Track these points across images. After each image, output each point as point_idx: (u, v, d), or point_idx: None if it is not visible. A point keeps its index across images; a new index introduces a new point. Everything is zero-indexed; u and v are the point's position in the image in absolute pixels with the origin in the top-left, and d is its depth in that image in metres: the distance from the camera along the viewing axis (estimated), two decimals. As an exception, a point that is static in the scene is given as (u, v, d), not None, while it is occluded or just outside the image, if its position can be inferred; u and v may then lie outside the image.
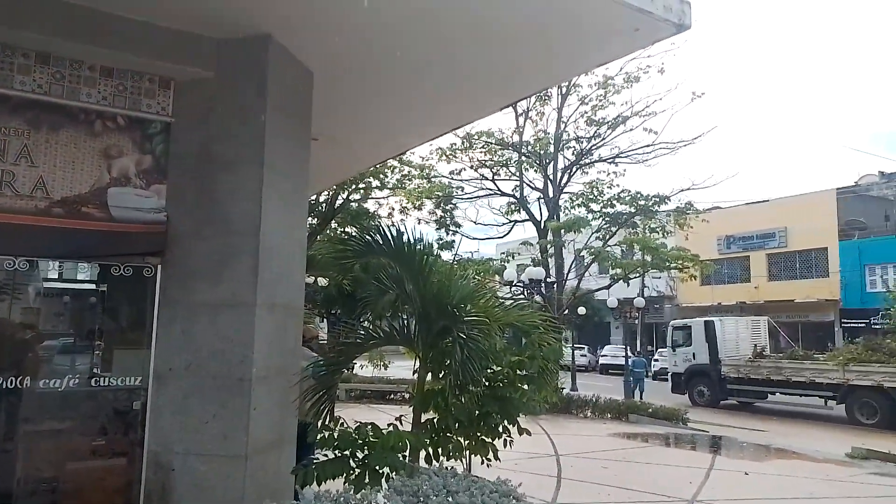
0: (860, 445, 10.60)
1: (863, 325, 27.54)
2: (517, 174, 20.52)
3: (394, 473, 4.14)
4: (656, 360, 31.29)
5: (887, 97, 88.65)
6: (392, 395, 16.66)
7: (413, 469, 3.87)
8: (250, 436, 4.19)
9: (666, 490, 7.38)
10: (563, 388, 16.96)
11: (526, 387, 5.68)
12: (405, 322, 5.72)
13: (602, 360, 35.70)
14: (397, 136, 7.47)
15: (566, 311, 21.41)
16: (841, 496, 7.68)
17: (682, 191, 19.32)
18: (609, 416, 14.41)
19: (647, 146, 19.44)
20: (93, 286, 4.36)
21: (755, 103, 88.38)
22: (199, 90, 4.51)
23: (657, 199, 19.05)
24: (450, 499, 3.41)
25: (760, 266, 34.56)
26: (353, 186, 20.69)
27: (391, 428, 4.79)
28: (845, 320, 30.08)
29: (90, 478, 4.15)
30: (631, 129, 19.50)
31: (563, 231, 19.05)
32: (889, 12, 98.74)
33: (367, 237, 5.57)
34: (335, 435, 4.47)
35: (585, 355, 37.42)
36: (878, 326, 24.57)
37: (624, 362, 21.34)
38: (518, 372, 5.67)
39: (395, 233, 5.64)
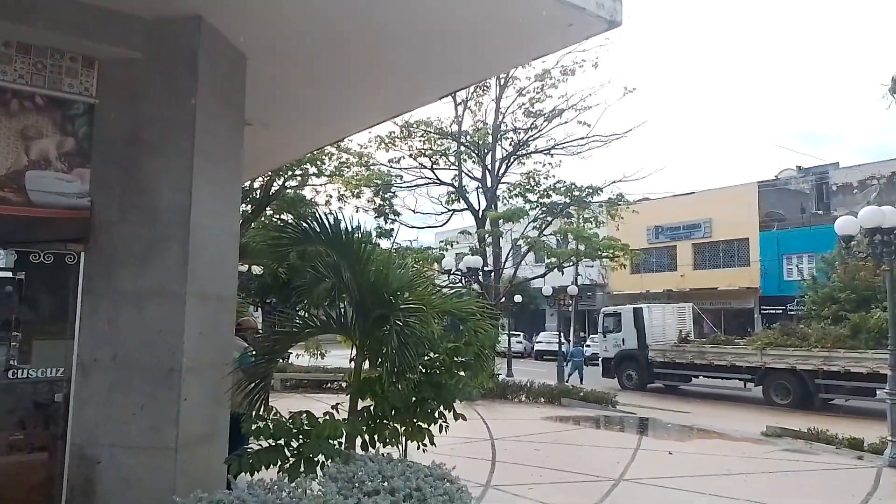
0: (774, 424, 11.27)
1: (780, 311, 29.20)
2: (456, 164, 20.63)
3: (329, 461, 4.16)
4: (588, 346, 32.23)
5: (808, 96, 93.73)
6: (329, 384, 16.55)
7: (348, 456, 3.89)
8: (181, 427, 4.10)
9: (595, 470, 7.67)
10: (499, 374, 17.25)
11: (462, 373, 5.80)
12: (342, 311, 5.71)
13: (537, 347, 36.50)
14: (334, 122, 7.40)
15: (503, 299, 21.75)
16: (755, 471, 8.18)
17: (614, 182, 19.93)
18: (543, 400, 14.79)
19: (582, 139, 19.94)
20: (9, 274, 4.15)
21: (684, 99, 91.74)
22: (126, 71, 4.33)
23: (591, 191, 19.58)
24: (385, 483, 3.46)
25: (686, 255, 36.10)
26: (290, 173, 20.31)
27: (327, 416, 4.80)
28: (764, 307, 31.82)
29: (7, 474, 3.97)
30: (566, 122, 19.92)
31: (500, 220, 19.32)
32: (813, 16, 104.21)
33: (304, 225, 5.51)
34: (270, 425, 4.44)
35: (521, 342, 38.15)
36: (793, 313, 26.12)
37: (557, 348, 21.87)
38: (454, 358, 5.78)
39: (332, 221, 5.61)
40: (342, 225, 5.51)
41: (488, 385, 14.20)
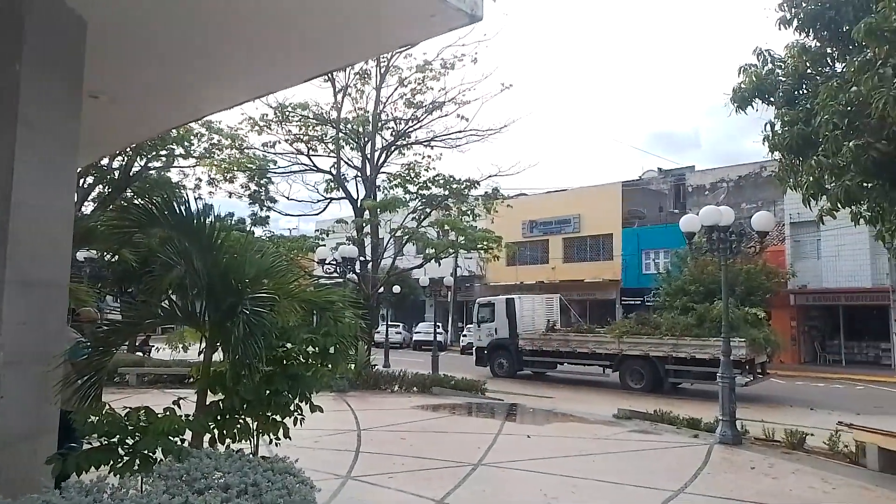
0: (626, 407, 12.11)
1: (639, 302, 31.46)
2: (335, 151, 20.25)
3: (168, 458, 3.94)
4: (464, 336, 33.03)
5: (670, 102, 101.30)
6: (191, 379, 15.69)
7: (183, 452, 3.69)
8: (-3, 425, 3.72)
9: (456, 456, 7.86)
10: (374, 365, 17.24)
11: (320, 364, 5.70)
12: (192, 300, 5.42)
13: (416, 337, 36.86)
14: (191, 99, 6.96)
15: (381, 290, 21.70)
16: (604, 451, 8.76)
17: (491, 177, 20.44)
18: (415, 389, 14.94)
19: (460, 132, 20.27)
20: None
21: (558, 99, 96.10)
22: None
23: (468, 184, 19.97)
24: (221, 480, 3.32)
25: (557, 249, 37.97)
26: (154, 153, 19.04)
27: (167, 412, 4.53)
28: (625, 298, 34.15)
29: None
30: (446, 115, 20.15)
31: (379, 210, 19.22)
32: (673, 24, 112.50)
33: (151, 207, 5.16)
34: (103, 421, 4.13)
35: (400, 332, 38.35)
36: (650, 304, 28.20)
37: (433, 338, 22.20)
38: (312, 349, 5.67)
39: (181, 203, 5.29)
40: (192, 208, 5.22)
41: (351, 375, 14.15)
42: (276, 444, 5.35)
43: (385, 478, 6.79)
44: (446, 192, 19.70)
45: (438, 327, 27.45)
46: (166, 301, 5.29)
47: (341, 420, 10.45)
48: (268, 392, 5.21)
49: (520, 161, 64.92)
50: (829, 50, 9.21)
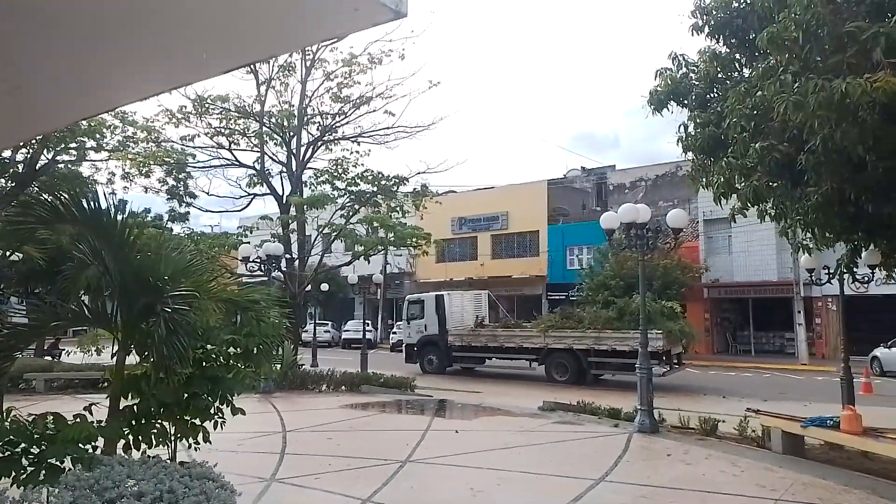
0: (551, 399, 12.41)
1: (563, 297, 32.27)
2: (258, 145, 19.69)
3: (78, 467, 3.74)
4: (394, 333, 32.93)
5: (592, 103, 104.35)
6: (106, 383, 14.92)
7: (94, 460, 3.51)
8: None
9: (384, 454, 7.83)
10: (302, 365, 16.93)
11: (241, 365, 5.54)
12: (103, 300, 5.16)
13: (345, 336, 36.47)
14: (104, 89, 6.60)
15: (308, 288, 21.31)
16: (529, 443, 8.95)
17: (420, 174, 20.40)
18: (344, 388, 14.77)
19: (388, 128, 20.12)
20: None
21: (485, 97, 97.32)
22: None
23: (397, 181, 19.87)
24: (135, 488, 3.18)
25: (486, 245, 38.47)
26: (62, 146, 17.94)
27: (77, 419, 4.31)
28: (550, 293, 35.00)
29: None
30: (374, 111, 19.95)
31: (305, 207, 18.84)
32: (595, 26, 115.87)
33: (58, 202, 4.88)
34: (6, 429, 3.89)
35: (329, 331, 37.84)
36: (574, 298, 29.00)
37: (362, 336, 22.03)
38: (234, 350, 5.50)
39: (91, 198, 5.03)
40: (103, 204, 4.97)
41: (275, 376, 13.86)
42: (196, 449, 5.17)
43: (311, 479, 6.69)
44: (375, 189, 19.52)
45: (368, 325, 27.25)
46: (75, 302, 5.01)
47: (266, 422, 10.21)
48: (186, 395, 5.03)
49: (448, 158, 65.37)
50: (737, 56, 9.72)
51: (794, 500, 6.19)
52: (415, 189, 20.61)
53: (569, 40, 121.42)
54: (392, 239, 19.67)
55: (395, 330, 33.56)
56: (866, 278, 11.21)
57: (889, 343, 21.71)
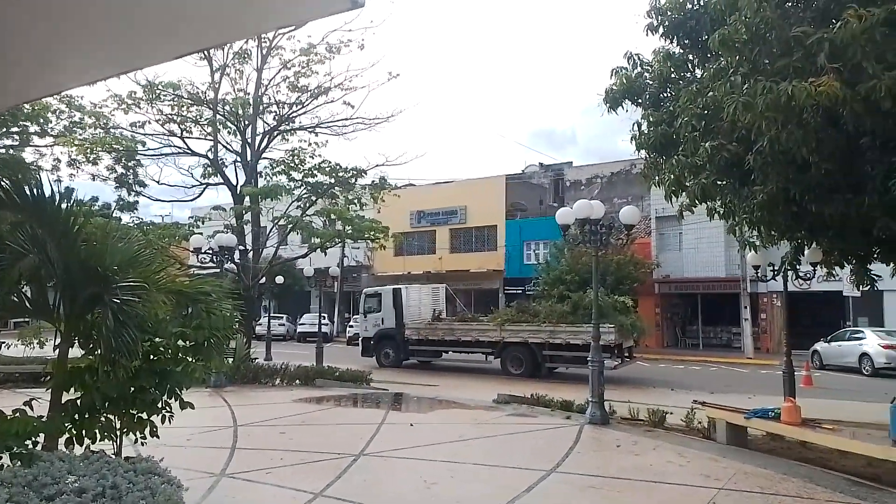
0: (506, 392, 12.52)
1: (520, 291, 32.62)
2: (212, 134, 19.21)
3: (17, 463, 3.60)
4: (351, 326, 32.71)
5: (551, 99, 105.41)
6: (48, 377, 14.39)
7: (32, 456, 3.39)
8: None
9: (338, 448, 7.78)
10: (255, 359, 16.67)
11: (193, 359, 5.42)
12: (45, 291, 4.98)
13: (301, 329, 36.08)
14: (49, 71, 6.34)
15: (263, 280, 20.97)
16: (483, 436, 9.03)
17: (378, 166, 20.25)
18: (298, 382, 14.60)
19: (346, 119, 19.92)
20: None
21: (445, 91, 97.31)
22: None
23: (355, 173, 19.68)
24: (76, 484, 3.08)
25: (444, 239, 38.56)
26: (3, 130, 17.19)
27: (17, 413, 4.16)
28: (508, 287, 35.31)
29: None
30: (332, 101, 19.72)
31: (260, 198, 18.50)
32: (556, 24, 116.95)
33: (-5, 189, 4.68)
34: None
35: (284, 324, 37.36)
36: (530, 293, 29.35)
37: (318, 330, 21.81)
38: (183, 343, 5.37)
39: (33, 185, 4.84)
40: (47, 191, 4.79)
41: (227, 370, 13.62)
42: (143, 444, 5.05)
43: (262, 473, 6.60)
44: (332, 181, 19.29)
45: (324, 318, 26.99)
46: (15, 293, 4.81)
47: (217, 416, 10.03)
48: (133, 389, 4.89)
49: (407, 151, 65.26)
50: (690, 57, 9.95)
51: (735, 488, 6.41)
52: (373, 181, 20.46)
53: (530, 37, 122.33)
54: (349, 232, 19.49)
55: (351, 323, 33.34)
56: (808, 275, 11.67)
57: (829, 338, 22.68)
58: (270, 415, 10.34)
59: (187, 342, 5.30)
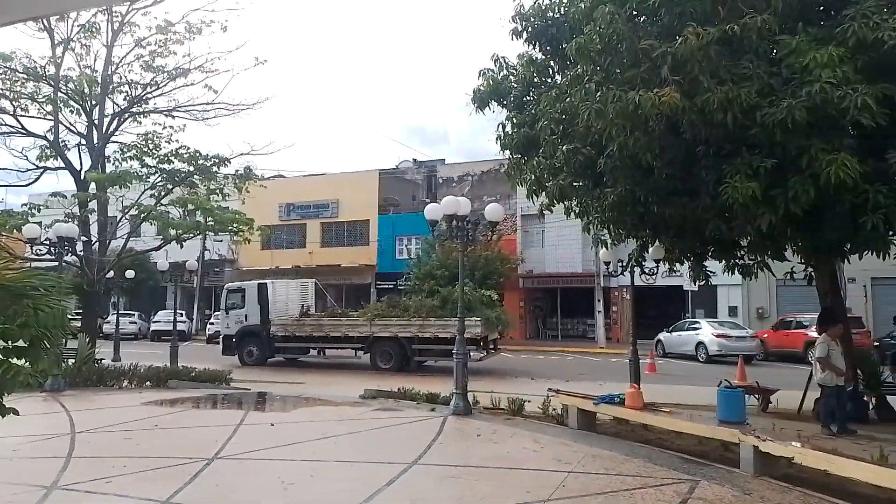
0: (374, 387, 12.46)
1: (392, 286, 32.67)
2: (52, 113, 17.33)
3: None
4: (212, 324, 31.07)
5: (425, 96, 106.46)
6: None
7: None
8: None
9: (189, 452, 7.32)
10: (100, 359, 15.32)
11: (14, 360, 4.85)
12: None
13: (154, 327, 33.78)
14: None
15: (111, 274, 19.30)
16: (348, 432, 8.90)
17: (242, 154, 19.28)
18: (149, 384, 13.60)
19: (208, 104, 18.79)
20: None
21: (319, 84, 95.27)
22: None
23: (218, 161, 18.63)
24: None
25: (315, 233, 37.76)
26: None
27: None
28: (380, 282, 35.26)
29: None
30: (192, 84, 18.52)
31: (108, 184, 16.96)
32: (424, 19, 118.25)
33: None
34: None
35: (136, 322, 34.79)
36: (402, 288, 29.48)
37: (173, 328, 20.48)
38: (5, 343, 4.79)
39: None
40: None
41: (65, 372, 12.49)
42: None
43: (101, 483, 6.05)
44: (192, 168, 18.13)
45: (181, 315, 25.40)
46: None
47: (52, 423, 9.09)
48: (-61, 396, 4.28)
49: (275, 141, 62.99)
50: (551, 63, 10.45)
51: (584, 471, 6.82)
52: (238, 171, 19.49)
53: (405, 33, 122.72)
54: (210, 223, 18.44)
55: (212, 321, 31.66)
56: (652, 271, 12.71)
57: (670, 328, 24.88)
58: (115, 419, 9.52)
59: (9, 342, 4.72)
